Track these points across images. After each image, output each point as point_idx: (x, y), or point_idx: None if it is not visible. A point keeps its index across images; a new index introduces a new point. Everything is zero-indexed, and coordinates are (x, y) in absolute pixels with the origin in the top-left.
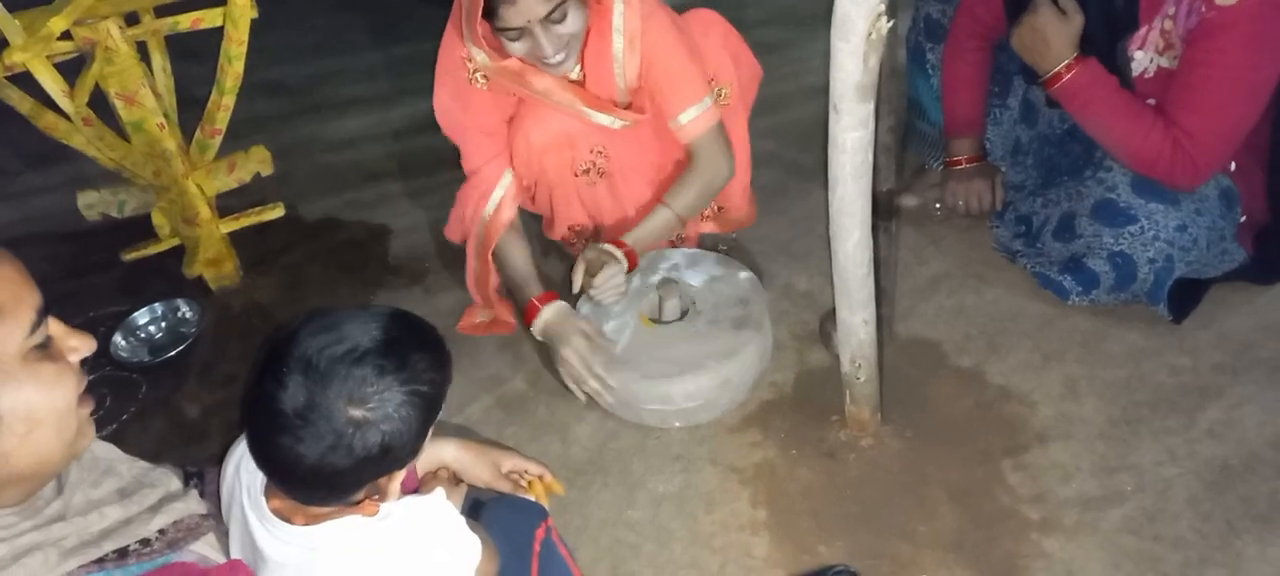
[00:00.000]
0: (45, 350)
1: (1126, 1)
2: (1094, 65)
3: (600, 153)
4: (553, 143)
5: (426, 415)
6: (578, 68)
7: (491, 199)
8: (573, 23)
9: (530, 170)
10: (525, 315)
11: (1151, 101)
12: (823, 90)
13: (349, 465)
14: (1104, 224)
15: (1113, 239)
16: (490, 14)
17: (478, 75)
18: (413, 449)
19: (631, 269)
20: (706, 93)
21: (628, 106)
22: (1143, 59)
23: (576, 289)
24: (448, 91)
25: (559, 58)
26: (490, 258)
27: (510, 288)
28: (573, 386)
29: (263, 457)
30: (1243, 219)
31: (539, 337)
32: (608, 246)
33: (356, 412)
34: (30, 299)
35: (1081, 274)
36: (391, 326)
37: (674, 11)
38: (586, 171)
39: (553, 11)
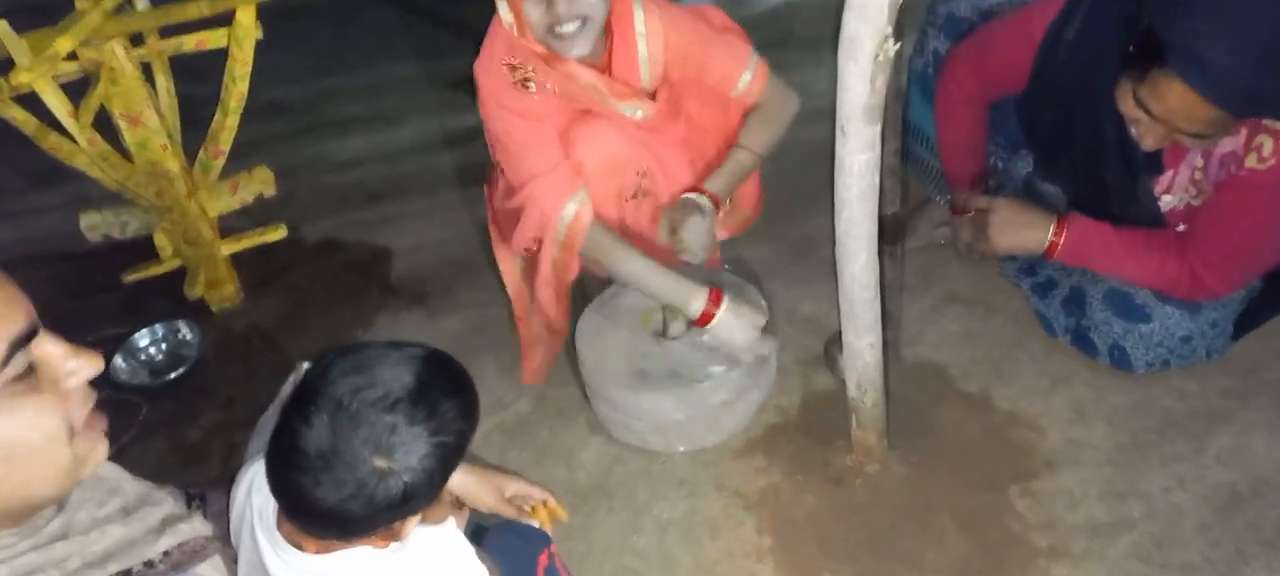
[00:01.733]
0: (27, 381)
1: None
2: (1081, 223)
3: (644, 174)
4: (600, 169)
5: (449, 464)
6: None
7: (575, 197)
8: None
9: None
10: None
11: (1182, 228)
12: (826, 113)
13: (366, 513)
14: (1116, 313)
15: (1121, 331)
16: None
17: (523, 79)
18: (432, 496)
19: (718, 212)
20: (750, 53)
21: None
22: (1171, 200)
23: (662, 239)
24: (495, 99)
25: (572, 27)
26: (574, 260)
27: (633, 281)
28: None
29: (279, 491)
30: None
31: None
32: (691, 195)
33: (381, 462)
34: (5, 328)
35: (1082, 341)
36: (425, 371)
37: (681, 8)
38: (634, 196)
39: None
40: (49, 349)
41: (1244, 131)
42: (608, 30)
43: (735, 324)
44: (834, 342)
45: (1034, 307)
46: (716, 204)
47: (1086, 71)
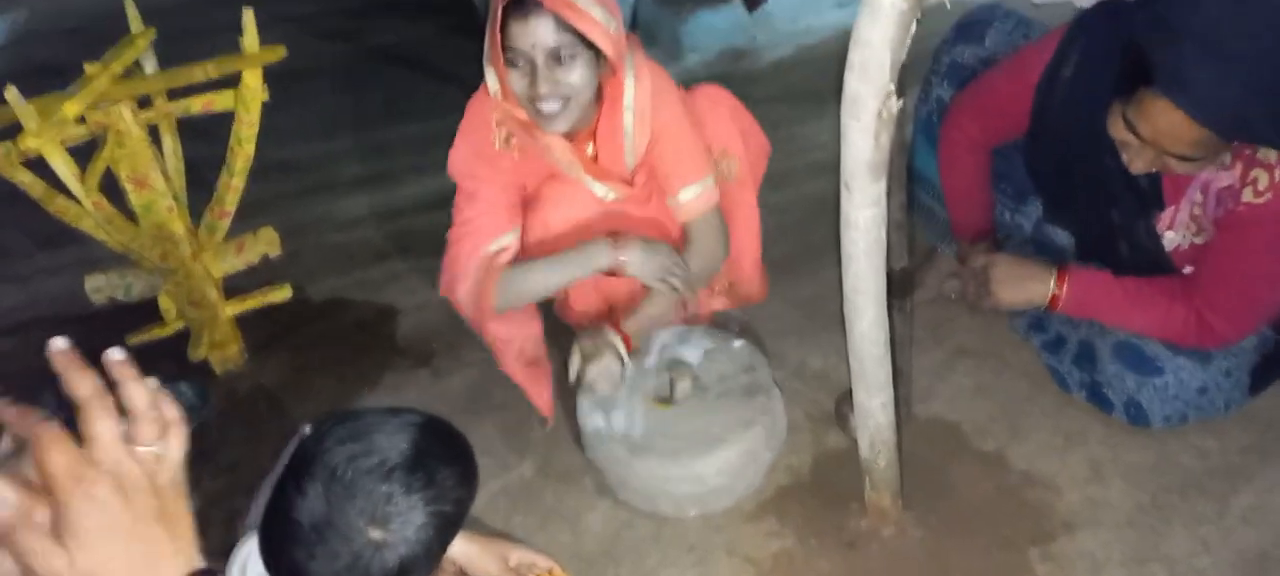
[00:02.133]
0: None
1: (1150, 182)
2: (1083, 274)
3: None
4: (570, 230)
5: (447, 534)
6: (590, 145)
7: (497, 241)
8: (578, 76)
9: (545, 255)
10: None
11: (1188, 269)
12: (830, 166)
13: None
14: (1127, 367)
15: (1135, 386)
16: (503, 32)
17: (510, 139)
18: (429, 568)
19: (630, 352)
20: (708, 172)
21: (629, 181)
22: (1174, 238)
23: (572, 379)
24: (469, 145)
25: (553, 106)
26: (491, 292)
27: (552, 286)
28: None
29: (273, 564)
30: (1269, 334)
31: (639, 266)
32: (606, 331)
33: (376, 534)
34: None
35: (1097, 397)
36: (422, 438)
37: (681, 90)
38: None
39: (561, 48)
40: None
41: (1239, 166)
42: (599, 96)
43: (647, 252)
44: (845, 400)
45: (1046, 363)
46: (628, 344)
47: (1084, 108)
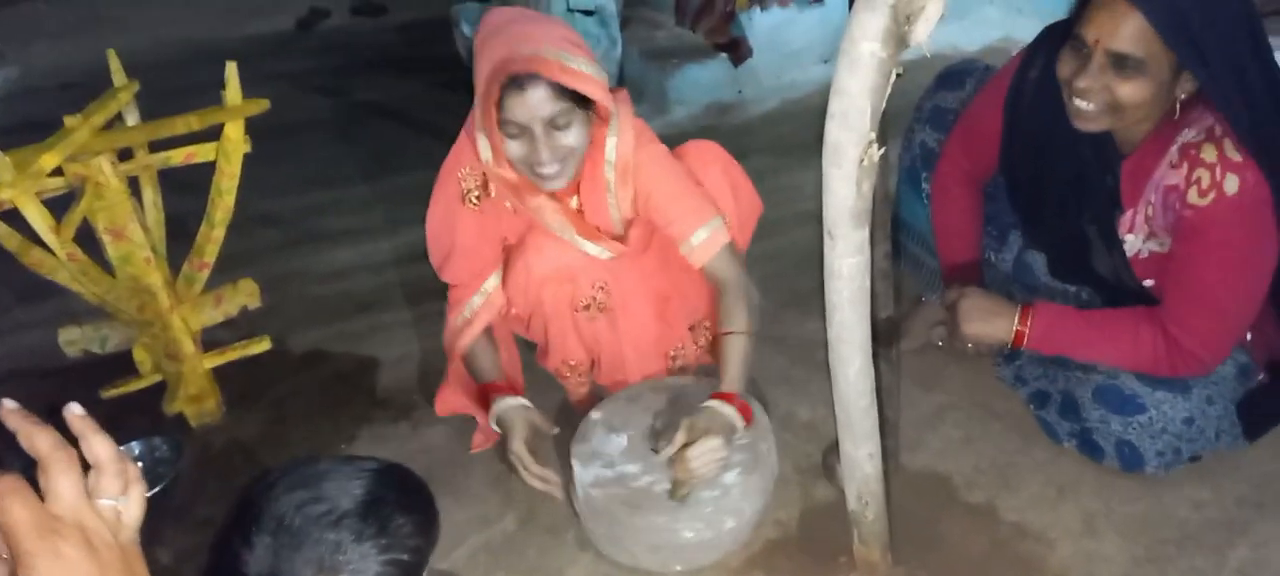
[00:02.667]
0: None
1: (1112, 186)
2: (1046, 309)
3: (602, 288)
4: (553, 275)
5: None
6: (575, 198)
7: (468, 306)
8: (574, 136)
9: (527, 300)
10: (483, 403)
11: (1149, 283)
12: (816, 216)
13: None
14: (1110, 410)
15: (1121, 426)
16: (499, 105)
17: (471, 194)
18: None
19: (748, 425)
20: (714, 213)
21: (622, 238)
22: (1134, 242)
23: (666, 454)
24: (441, 206)
25: (553, 169)
26: (460, 362)
27: (478, 380)
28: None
29: None
30: (1260, 377)
31: (494, 427)
32: (718, 407)
33: None
34: None
35: (1087, 446)
36: (376, 485)
37: (665, 146)
38: (587, 307)
39: (558, 116)
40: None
41: (1185, 166)
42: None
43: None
44: (831, 451)
45: (1035, 415)
46: (747, 416)
47: (1052, 104)
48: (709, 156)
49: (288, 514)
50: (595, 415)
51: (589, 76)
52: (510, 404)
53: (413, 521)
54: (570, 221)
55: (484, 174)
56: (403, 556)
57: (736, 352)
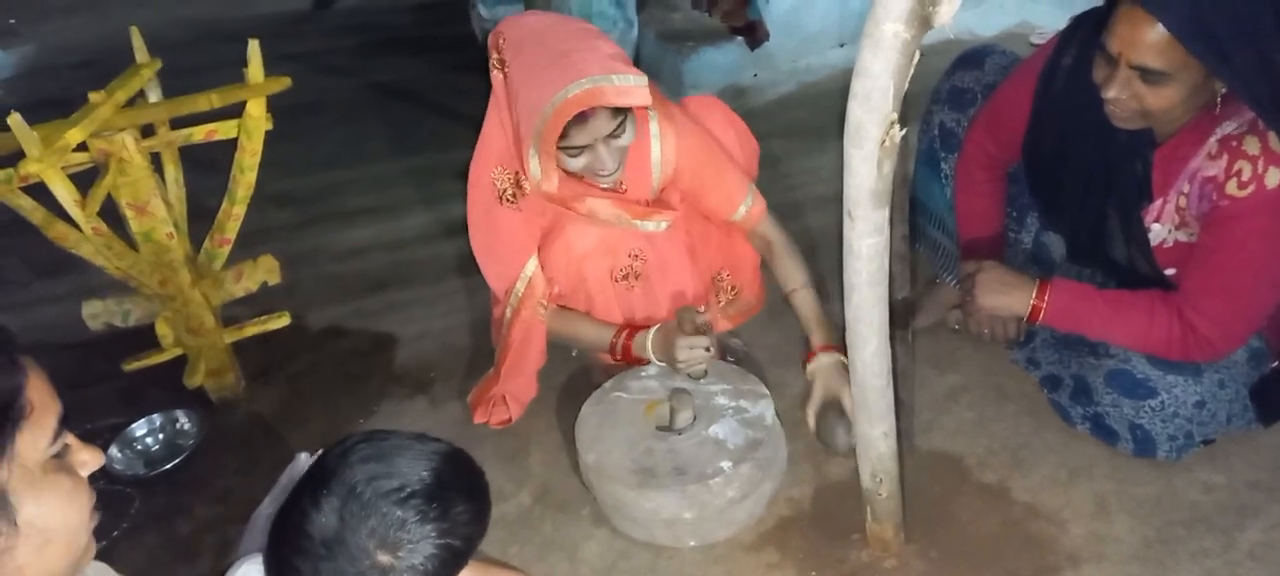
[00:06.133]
0: (62, 461)
1: (1142, 170)
2: (1064, 285)
3: (637, 256)
4: (593, 249)
5: (452, 568)
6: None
7: (512, 295)
8: (629, 135)
9: (569, 278)
10: (622, 353)
11: (1171, 272)
12: (832, 199)
13: None
14: (1122, 394)
15: (1133, 411)
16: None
17: (507, 193)
18: None
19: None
20: (748, 185)
21: (667, 205)
22: (1160, 231)
23: (813, 421)
24: (481, 212)
25: (612, 168)
26: (517, 329)
27: (584, 344)
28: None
29: (275, 574)
30: (1275, 363)
31: (653, 356)
32: (833, 363)
33: (384, 558)
34: (54, 406)
35: (1100, 430)
36: (444, 468)
37: (673, 104)
38: (624, 277)
39: (615, 128)
40: (70, 438)
41: (1226, 157)
42: None
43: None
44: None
45: (1049, 398)
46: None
47: (1085, 94)
48: (711, 106)
49: (359, 483)
50: (600, 394)
51: (639, 89)
52: (648, 334)
53: (471, 509)
54: (624, 210)
55: (515, 171)
56: (456, 542)
57: (810, 306)
